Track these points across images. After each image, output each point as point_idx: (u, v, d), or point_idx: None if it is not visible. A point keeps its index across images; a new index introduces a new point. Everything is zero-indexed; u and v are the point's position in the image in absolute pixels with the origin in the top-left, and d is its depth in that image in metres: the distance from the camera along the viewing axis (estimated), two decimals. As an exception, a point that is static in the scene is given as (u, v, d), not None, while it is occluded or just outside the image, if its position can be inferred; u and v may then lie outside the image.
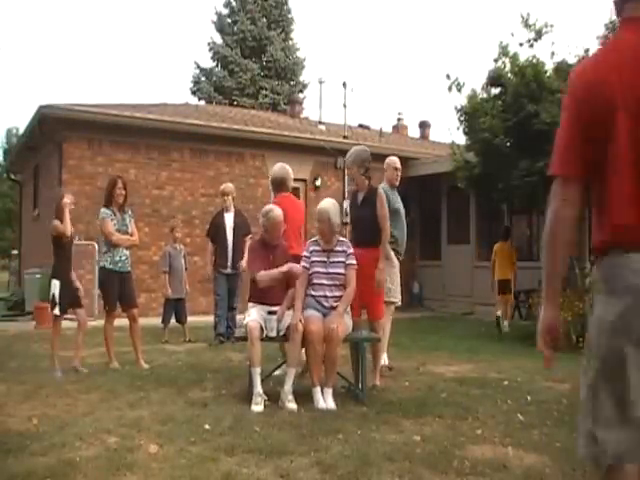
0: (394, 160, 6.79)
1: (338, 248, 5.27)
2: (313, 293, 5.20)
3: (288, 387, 4.89)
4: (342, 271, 5.20)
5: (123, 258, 6.50)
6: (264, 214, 5.39)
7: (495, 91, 10.18)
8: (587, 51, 8.92)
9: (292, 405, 4.80)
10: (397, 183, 6.68)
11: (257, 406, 4.74)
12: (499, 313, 10.08)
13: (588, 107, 1.90)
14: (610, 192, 1.89)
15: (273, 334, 5.13)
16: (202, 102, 24.67)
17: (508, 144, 9.57)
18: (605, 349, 1.86)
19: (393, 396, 5.25)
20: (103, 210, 6.50)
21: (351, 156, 5.85)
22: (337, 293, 5.19)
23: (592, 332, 1.93)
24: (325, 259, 5.23)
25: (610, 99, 1.86)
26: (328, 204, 5.32)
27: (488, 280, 10.85)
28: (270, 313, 5.19)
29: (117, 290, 6.47)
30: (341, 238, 5.36)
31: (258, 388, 4.85)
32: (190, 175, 12.43)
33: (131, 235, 6.62)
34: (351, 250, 5.28)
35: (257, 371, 4.92)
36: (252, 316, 5.14)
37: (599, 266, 1.95)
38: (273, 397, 4.90)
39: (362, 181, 5.79)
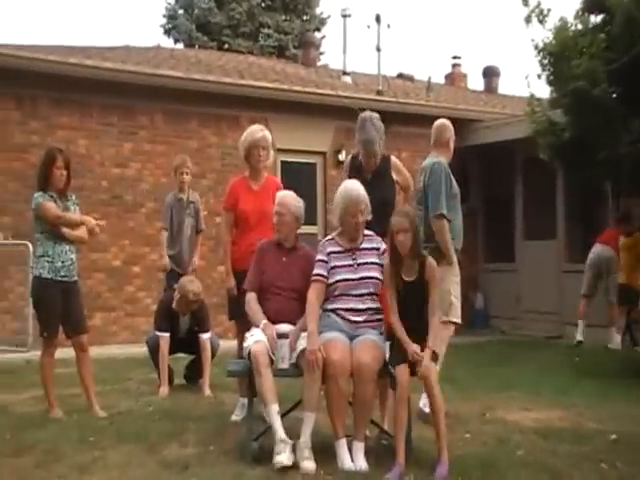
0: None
1: (367, 245, 5.41)
2: (336, 306, 5.28)
3: (305, 439, 4.94)
4: (377, 275, 5.31)
5: (67, 263, 6.48)
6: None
7: (596, 20, 10.07)
8: None
9: (309, 464, 4.83)
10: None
11: (281, 456, 4.81)
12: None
13: None
14: None
15: (285, 365, 5.18)
16: (180, 45, 24.77)
17: (614, 96, 9.43)
18: None
19: (449, 453, 5.17)
20: (38, 195, 6.46)
21: (376, 142, 5.99)
22: (370, 305, 5.28)
23: None
24: (351, 262, 5.33)
25: None
26: (357, 188, 5.41)
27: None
28: (281, 336, 5.24)
29: (59, 308, 6.45)
30: (366, 232, 5.46)
31: (280, 432, 4.92)
32: (164, 147, 12.48)
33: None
34: (384, 246, 5.36)
35: (274, 410, 4.99)
36: (256, 337, 5.21)
37: None
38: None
39: (377, 161, 6.04)
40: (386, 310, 5.29)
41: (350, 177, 5.87)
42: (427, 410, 5.84)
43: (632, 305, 10.78)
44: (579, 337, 10.91)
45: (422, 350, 4.98)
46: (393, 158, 6.13)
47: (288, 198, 5.73)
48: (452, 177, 6.53)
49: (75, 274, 6.58)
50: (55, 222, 6.41)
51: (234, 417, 6.29)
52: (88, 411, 6.47)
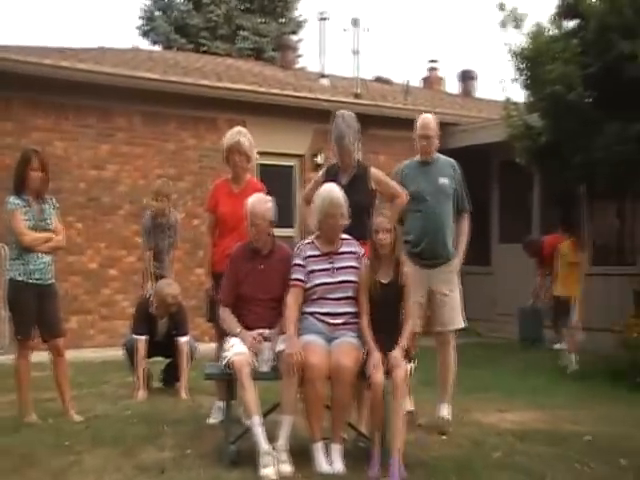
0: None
1: (345, 249, 5.43)
2: (313, 310, 5.31)
3: (282, 442, 4.95)
4: (353, 278, 5.34)
5: (41, 266, 6.41)
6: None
7: (570, 24, 10.14)
8: None
9: (286, 468, 4.85)
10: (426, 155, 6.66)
11: (268, 469, 4.78)
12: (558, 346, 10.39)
13: None
14: None
15: (267, 368, 5.23)
16: (157, 47, 24.67)
17: (589, 100, 9.50)
18: None
19: (425, 455, 5.25)
20: (11, 199, 6.40)
21: (347, 136, 5.97)
22: (348, 309, 5.31)
23: None
24: (328, 266, 5.36)
25: None
26: (337, 191, 5.43)
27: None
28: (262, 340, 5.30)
29: (33, 311, 6.40)
30: (344, 236, 5.48)
31: (264, 445, 4.90)
32: (142, 149, 12.42)
33: (54, 233, 6.54)
34: (362, 251, 5.42)
35: (258, 421, 4.98)
36: (236, 348, 5.20)
37: None
38: (253, 457, 4.90)
39: (353, 158, 6.03)
40: None
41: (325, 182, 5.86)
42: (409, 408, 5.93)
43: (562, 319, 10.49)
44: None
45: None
46: (373, 169, 6.02)
47: (257, 207, 5.52)
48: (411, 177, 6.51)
49: (51, 277, 6.51)
50: (17, 238, 6.35)
51: (211, 420, 6.27)
52: (64, 415, 6.43)
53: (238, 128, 6.70)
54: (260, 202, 5.58)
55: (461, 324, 6.47)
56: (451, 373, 6.38)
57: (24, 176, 6.42)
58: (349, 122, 6.03)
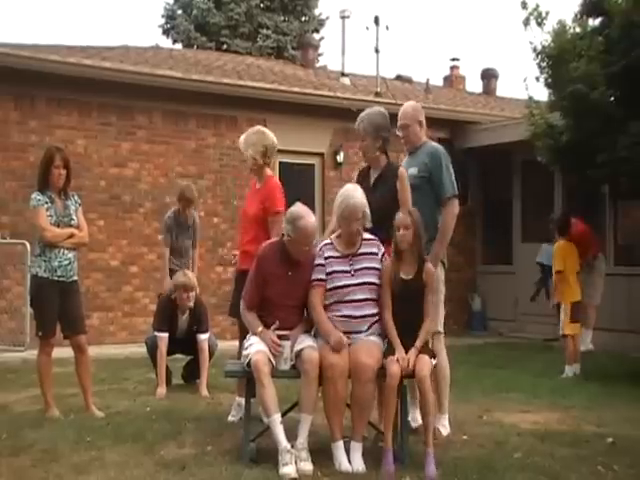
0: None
1: (365, 250, 5.40)
2: (332, 314, 5.29)
3: (302, 440, 4.96)
4: (375, 280, 5.32)
5: (65, 263, 6.45)
6: (290, 220, 5.36)
7: (594, 23, 10.06)
8: None
9: (307, 466, 4.85)
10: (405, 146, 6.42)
11: (288, 467, 4.77)
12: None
13: None
14: None
15: (286, 366, 5.23)
16: (178, 45, 24.75)
17: (612, 99, 9.43)
18: None
19: (445, 455, 5.22)
20: (35, 196, 6.45)
21: (362, 122, 5.98)
22: (368, 311, 5.29)
23: None
24: (348, 267, 5.34)
25: None
26: (358, 192, 5.41)
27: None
28: (282, 338, 5.28)
29: (56, 308, 6.44)
30: (367, 236, 5.45)
31: (284, 443, 4.89)
32: (163, 148, 12.45)
33: (77, 229, 6.58)
34: (382, 251, 5.42)
35: (277, 419, 4.98)
36: (256, 346, 5.19)
37: None
38: (272, 455, 4.91)
39: (376, 157, 5.96)
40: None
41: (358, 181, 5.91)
42: (414, 425, 5.85)
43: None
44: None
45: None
46: (402, 171, 5.85)
47: (309, 232, 5.36)
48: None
49: (74, 274, 6.55)
50: (40, 234, 6.41)
51: (231, 418, 6.28)
52: (85, 411, 6.46)
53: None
54: (309, 219, 5.40)
55: (433, 328, 5.75)
56: (442, 382, 5.98)
57: (47, 173, 6.46)
58: (368, 112, 6.03)
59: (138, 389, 7.87)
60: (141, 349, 8.48)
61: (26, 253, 10.04)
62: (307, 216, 5.35)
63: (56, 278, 6.41)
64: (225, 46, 24.03)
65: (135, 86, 11.96)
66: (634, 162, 9.00)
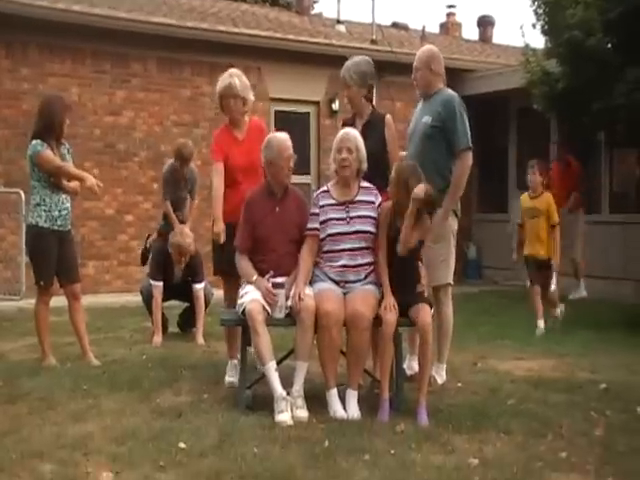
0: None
1: (362, 197, 5.35)
2: (328, 263, 5.29)
3: (297, 388, 4.98)
4: (371, 229, 5.28)
5: (64, 212, 6.43)
6: (265, 144, 5.44)
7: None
8: None
9: (302, 413, 4.88)
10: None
11: (284, 415, 4.79)
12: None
13: None
14: None
15: (281, 315, 5.23)
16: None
17: (609, 45, 9.37)
18: None
19: (440, 402, 5.26)
20: (36, 143, 6.33)
21: (348, 70, 5.92)
22: (362, 260, 5.26)
23: None
24: (344, 215, 5.29)
25: None
26: (352, 131, 5.44)
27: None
28: (276, 286, 5.26)
29: (55, 257, 6.41)
30: (365, 184, 5.40)
31: (279, 390, 4.92)
32: (157, 96, 12.36)
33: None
34: (380, 199, 5.36)
35: (272, 367, 5.00)
36: (250, 294, 5.17)
37: None
38: (268, 402, 4.93)
39: (362, 105, 5.94)
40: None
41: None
42: (409, 372, 5.86)
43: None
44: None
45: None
46: (389, 119, 5.84)
47: (283, 147, 5.39)
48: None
49: (69, 223, 6.54)
50: (55, 172, 6.34)
51: (228, 378, 5.94)
52: (82, 359, 6.49)
53: (230, 70, 6.32)
54: (285, 144, 5.43)
55: (444, 280, 5.84)
56: (444, 336, 5.91)
57: (61, 122, 6.39)
58: (354, 60, 5.97)
59: (134, 337, 7.91)
60: (137, 298, 8.48)
61: (20, 202, 10.02)
62: (277, 134, 5.45)
63: (56, 228, 6.39)
64: (220, -7, 23.68)
65: (129, 33, 11.80)
66: (630, 109, 8.97)
